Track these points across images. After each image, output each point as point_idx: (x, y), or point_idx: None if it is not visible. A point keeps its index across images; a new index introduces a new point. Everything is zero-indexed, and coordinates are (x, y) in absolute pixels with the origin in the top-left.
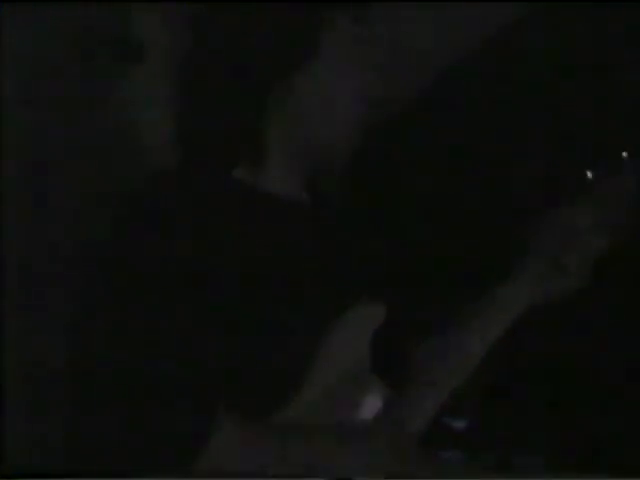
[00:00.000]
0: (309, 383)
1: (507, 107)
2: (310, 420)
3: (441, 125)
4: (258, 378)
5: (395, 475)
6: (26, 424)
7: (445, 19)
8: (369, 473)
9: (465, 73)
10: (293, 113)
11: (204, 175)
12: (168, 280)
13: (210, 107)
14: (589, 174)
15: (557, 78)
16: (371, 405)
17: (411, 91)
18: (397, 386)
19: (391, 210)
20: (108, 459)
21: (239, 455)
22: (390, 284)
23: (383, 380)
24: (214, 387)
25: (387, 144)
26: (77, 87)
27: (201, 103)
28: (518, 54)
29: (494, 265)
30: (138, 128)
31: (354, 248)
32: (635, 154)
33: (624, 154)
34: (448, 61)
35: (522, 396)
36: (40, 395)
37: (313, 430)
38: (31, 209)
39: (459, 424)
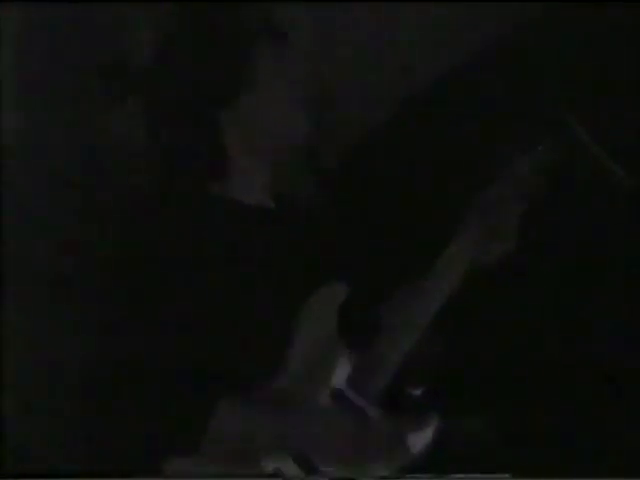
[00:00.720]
0: (291, 354)
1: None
2: (295, 388)
3: (393, 119)
4: (247, 355)
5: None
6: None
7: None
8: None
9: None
10: (245, 128)
11: (182, 191)
12: (167, 278)
13: (175, 133)
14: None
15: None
16: (341, 369)
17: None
18: (362, 349)
19: (346, 199)
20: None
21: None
22: (350, 267)
23: (350, 346)
24: (211, 371)
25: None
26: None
27: (169, 130)
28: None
29: (440, 235)
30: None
31: (318, 240)
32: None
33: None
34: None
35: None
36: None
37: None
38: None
39: (416, 392)
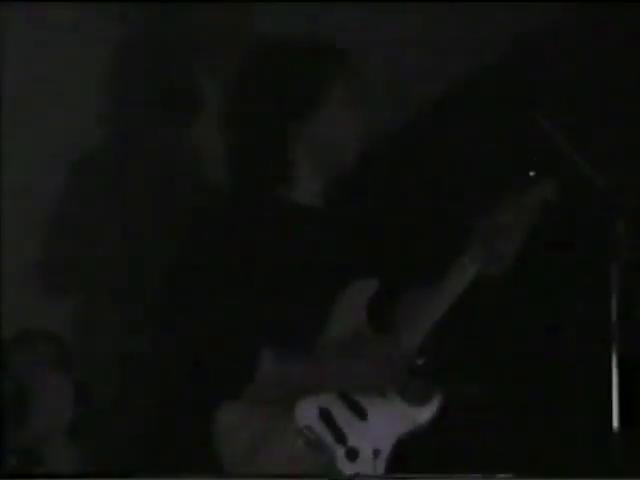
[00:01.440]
0: (326, 334)
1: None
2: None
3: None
4: (294, 331)
5: None
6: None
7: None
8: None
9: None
10: (310, 142)
11: (255, 194)
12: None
13: (251, 144)
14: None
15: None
16: (368, 347)
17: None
18: (387, 334)
19: (379, 211)
20: None
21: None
22: (379, 267)
23: (377, 332)
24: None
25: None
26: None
27: (245, 141)
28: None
29: (451, 251)
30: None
31: (353, 242)
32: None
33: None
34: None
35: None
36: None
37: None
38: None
39: (419, 360)
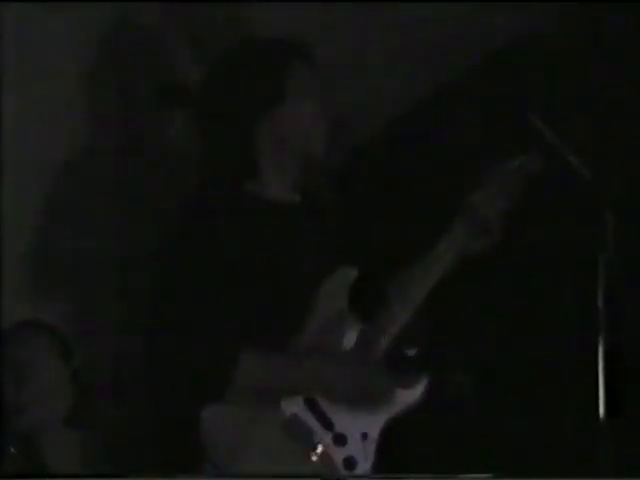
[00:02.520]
0: (308, 324)
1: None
2: (313, 348)
3: (400, 133)
4: (274, 322)
5: None
6: None
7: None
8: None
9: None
10: (277, 137)
11: (225, 192)
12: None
13: (218, 142)
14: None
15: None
16: (350, 336)
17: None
18: (367, 321)
19: (357, 199)
20: None
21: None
22: (360, 255)
23: (358, 318)
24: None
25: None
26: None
27: (213, 140)
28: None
29: (432, 234)
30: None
31: (333, 231)
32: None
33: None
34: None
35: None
36: None
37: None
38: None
39: (410, 351)
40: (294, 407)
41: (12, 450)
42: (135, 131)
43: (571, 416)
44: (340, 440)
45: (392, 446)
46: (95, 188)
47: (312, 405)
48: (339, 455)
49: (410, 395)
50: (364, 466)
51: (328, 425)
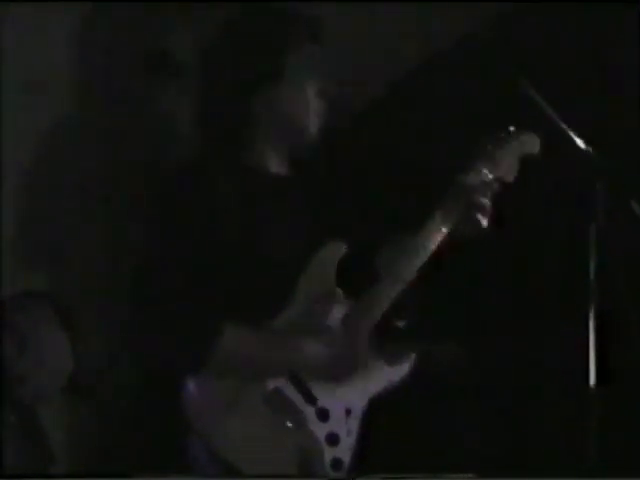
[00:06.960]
0: (296, 298)
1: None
2: (300, 322)
3: (393, 113)
4: (261, 295)
5: None
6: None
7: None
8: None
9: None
10: (275, 109)
11: (221, 164)
12: (206, 222)
13: (216, 110)
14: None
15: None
16: (337, 310)
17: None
18: (356, 296)
19: (349, 174)
20: None
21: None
22: (348, 229)
23: (347, 293)
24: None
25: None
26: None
27: (209, 110)
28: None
29: (427, 205)
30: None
31: (322, 205)
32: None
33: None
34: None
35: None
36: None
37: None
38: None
39: (400, 323)
40: (277, 381)
41: (12, 419)
42: (128, 100)
43: (562, 386)
44: (323, 415)
45: (376, 423)
46: (87, 153)
47: (296, 379)
48: (322, 431)
49: (396, 372)
50: (347, 441)
51: (311, 399)
